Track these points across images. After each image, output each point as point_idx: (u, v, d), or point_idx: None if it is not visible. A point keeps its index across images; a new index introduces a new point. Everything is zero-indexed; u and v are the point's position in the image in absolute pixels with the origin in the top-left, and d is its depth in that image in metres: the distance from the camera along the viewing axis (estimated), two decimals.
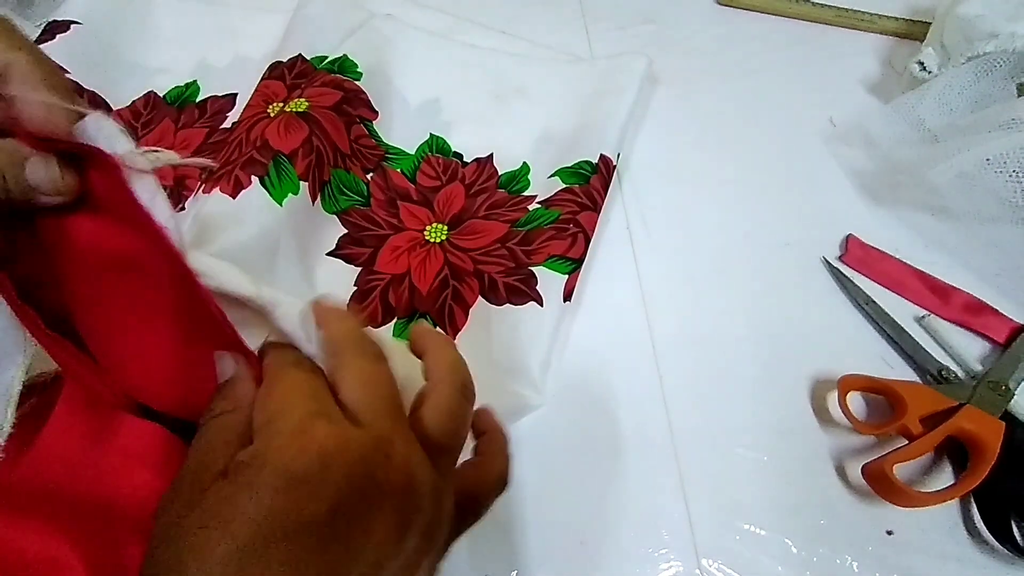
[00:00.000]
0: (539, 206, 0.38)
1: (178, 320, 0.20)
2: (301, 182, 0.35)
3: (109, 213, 0.19)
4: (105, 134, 0.19)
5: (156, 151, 0.19)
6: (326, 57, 0.41)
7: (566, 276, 0.34)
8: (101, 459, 0.20)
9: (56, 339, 0.20)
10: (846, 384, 0.33)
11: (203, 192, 0.34)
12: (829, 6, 0.51)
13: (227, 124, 0.43)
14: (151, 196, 0.19)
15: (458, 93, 0.45)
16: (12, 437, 0.21)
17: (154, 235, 0.19)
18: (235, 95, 0.44)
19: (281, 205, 0.34)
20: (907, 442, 0.32)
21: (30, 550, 0.19)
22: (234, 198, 0.33)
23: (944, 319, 0.36)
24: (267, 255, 0.33)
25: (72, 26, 0.43)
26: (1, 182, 0.18)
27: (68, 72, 0.41)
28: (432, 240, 0.38)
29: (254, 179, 0.34)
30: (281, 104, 0.38)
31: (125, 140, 0.19)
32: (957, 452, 0.32)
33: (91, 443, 0.20)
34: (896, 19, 0.50)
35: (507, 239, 0.37)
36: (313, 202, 0.37)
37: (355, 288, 0.36)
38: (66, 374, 0.21)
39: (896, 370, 0.35)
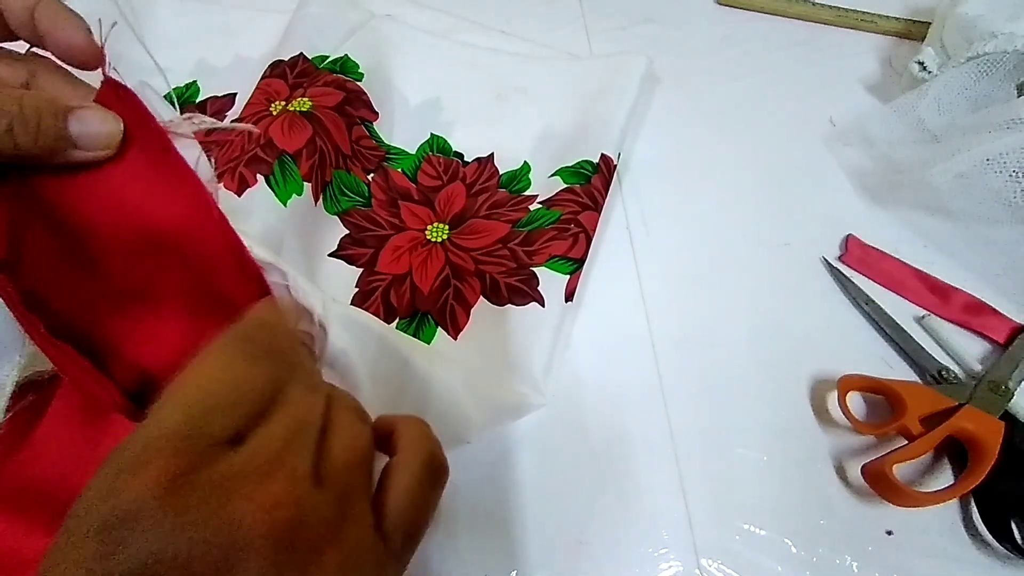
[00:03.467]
0: (540, 206, 0.38)
1: (200, 297, 0.20)
2: (305, 183, 0.35)
3: (138, 178, 0.19)
4: (150, 102, 0.19)
5: (198, 116, 0.20)
6: (327, 57, 0.41)
7: (567, 276, 0.34)
8: (92, 462, 0.20)
9: (57, 344, 0.20)
10: (846, 384, 0.33)
11: None
12: (829, 6, 0.51)
13: (226, 123, 0.42)
14: (195, 160, 0.19)
15: (458, 93, 0.45)
16: (6, 434, 0.21)
17: (199, 198, 0.19)
18: (235, 95, 0.44)
19: (286, 206, 0.34)
20: (907, 442, 0.32)
21: (28, 548, 0.19)
22: (239, 196, 0.33)
23: (944, 319, 0.36)
24: (271, 255, 0.33)
25: None
26: (33, 131, 0.18)
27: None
28: (433, 239, 0.38)
29: (260, 178, 0.34)
30: (283, 103, 0.38)
31: (168, 106, 0.19)
32: (957, 452, 0.32)
33: (83, 445, 0.20)
34: (896, 19, 0.50)
35: (509, 239, 0.37)
36: (316, 203, 0.37)
37: (356, 289, 0.36)
38: (65, 377, 0.21)
39: (896, 370, 0.35)
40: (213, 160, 0.21)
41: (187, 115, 0.20)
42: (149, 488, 0.14)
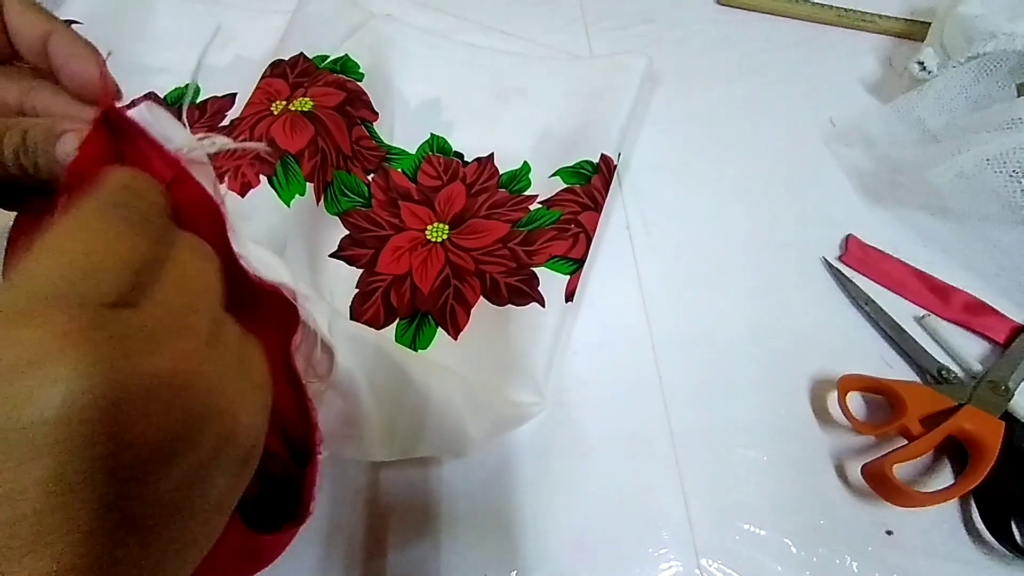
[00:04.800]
0: (540, 206, 0.38)
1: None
2: (307, 183, 0.35)
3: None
4: (161, 124, 0.18)
5: (211, 137, 0.19)
6: (327, 56, 0.41)
7: (568, 277, 0.34)
8: None
9: None
10: (846, 384, 0.33)
11: None
12: (829, 6, 0.51)
13: (225, 123, 0.42)
14: (211, 186, 0.19)
15: (458, 93, 0.45)
16: None
17: (216, 223, 0.18)
18: (235, 95, 0.44)
19: (289, 206, 0.34)
20: (907, 442, 0.32)
21: None
22: (242, 196, 0.33)
23: (944, 319, 0.36)
24: (279, 265, 0.33)
25: (72, 26, 0.43)
26: (32, 158, 0.19)
27: None
28: (433, 239, 0.38)
29: (263, 178, 0.34)
30: (284, 102, 0.38)
31: (181, 129, 0.19)
32: (957, 452, 0.32)
33: None
34: (896, 19, 0.50)
35: (508, 239, 0.37)
36: (317, 204, 0.37)
37: (357, 291, 0.36)
38: None
39: (896, 370, 0.35)
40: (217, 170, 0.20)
41: (200, 136, 0.19)
42: (50, 339, 0.13)
